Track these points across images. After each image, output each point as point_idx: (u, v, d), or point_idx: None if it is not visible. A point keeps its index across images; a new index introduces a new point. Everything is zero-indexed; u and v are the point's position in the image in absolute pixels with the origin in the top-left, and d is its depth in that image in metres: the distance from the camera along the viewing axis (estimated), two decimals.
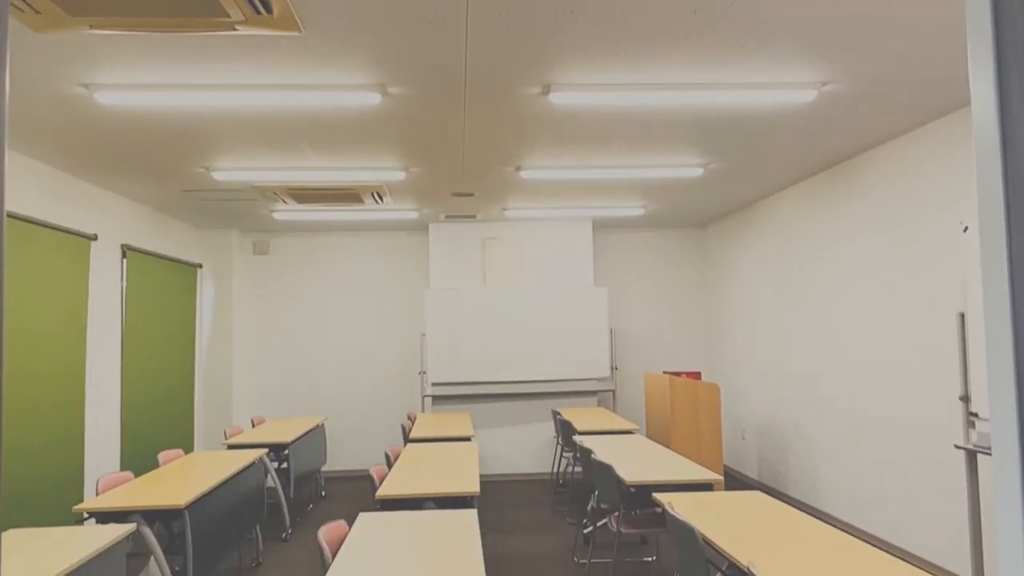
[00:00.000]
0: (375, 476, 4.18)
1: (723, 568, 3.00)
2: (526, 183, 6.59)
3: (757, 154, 5.70)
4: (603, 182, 6.60)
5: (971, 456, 4.13)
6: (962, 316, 4.13)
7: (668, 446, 6.92)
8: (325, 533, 2.88)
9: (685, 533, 2.94)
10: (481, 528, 6.26)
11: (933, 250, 4.84)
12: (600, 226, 9.26)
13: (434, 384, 8.43)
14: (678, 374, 7.40)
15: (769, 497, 3.65)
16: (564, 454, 7.27)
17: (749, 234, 7.98)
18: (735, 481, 8.07)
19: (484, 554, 5.62)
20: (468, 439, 6.00)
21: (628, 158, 5.73)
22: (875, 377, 5.57)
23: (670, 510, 3.15)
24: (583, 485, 7.88)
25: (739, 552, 2.72)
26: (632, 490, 4.16)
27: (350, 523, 3.20)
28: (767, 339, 7.57)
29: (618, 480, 4.24)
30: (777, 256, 7.28)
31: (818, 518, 6.19)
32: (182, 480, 4.49)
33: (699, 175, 6.35)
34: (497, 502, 7.41)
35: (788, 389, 7.10)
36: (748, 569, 2.34)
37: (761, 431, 7.78)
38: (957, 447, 4.09)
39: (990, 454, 3.85)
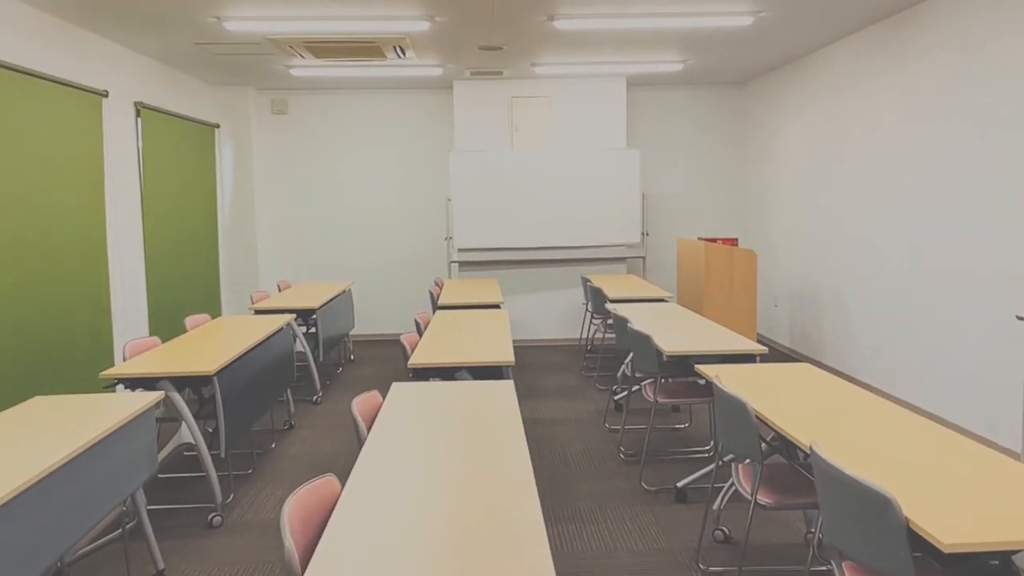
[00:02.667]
0: (406, 344, 4.06)
1: (768, 439, 2.87)
2: (559, 34, 6.12)
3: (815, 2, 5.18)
4: (643, 32, 6.11)
5: None
6: None
7: (700, 313, 6.77)
8: (359, 404, 2.76)
9: (735, 408, 2.79)
10: None
11: (1014, 109, 4.43)
12: (634, 84, 8.76)
13: (460, 250, 8.26)
14: (713, 240, 7.15)
15: (818, 369, 3.49)
16: (593, 321, 7.16)
17: (795, 92, 7.48)
18: (768, 348, 7.97)
19: None
20: (498, 306, 5.87)
21: (673, 3, 5.24)
22: (930, 245, 5.29)
23: (718, 383, 2.99)
24: (612, 351, 7.83)
25: (794, 428, 2.57)
26: (666, 358, 4.02)
27: (383, 392, 3.09)
28: (808, 205, 7.24)
29: (656, 350, 4.09)
30: (827, 116, 6.84)
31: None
32: (210, 345, 4.41)
33: (748, 24, 5.84)
34: (526, 367, 7.39)
35: (829, 256, 6.85)
36: (811, 449, 2.19)
37: (796, 298, 7.60)
38: (1019, 318, 3.88)
39: None
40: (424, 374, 3.75)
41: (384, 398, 3.07)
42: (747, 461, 2.97)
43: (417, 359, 3.74)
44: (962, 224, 4.89)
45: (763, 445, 2.76)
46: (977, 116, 4.74)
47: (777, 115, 7.94)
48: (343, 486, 2.09)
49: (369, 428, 2.67)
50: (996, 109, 4.56)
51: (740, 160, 9.00)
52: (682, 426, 5.41)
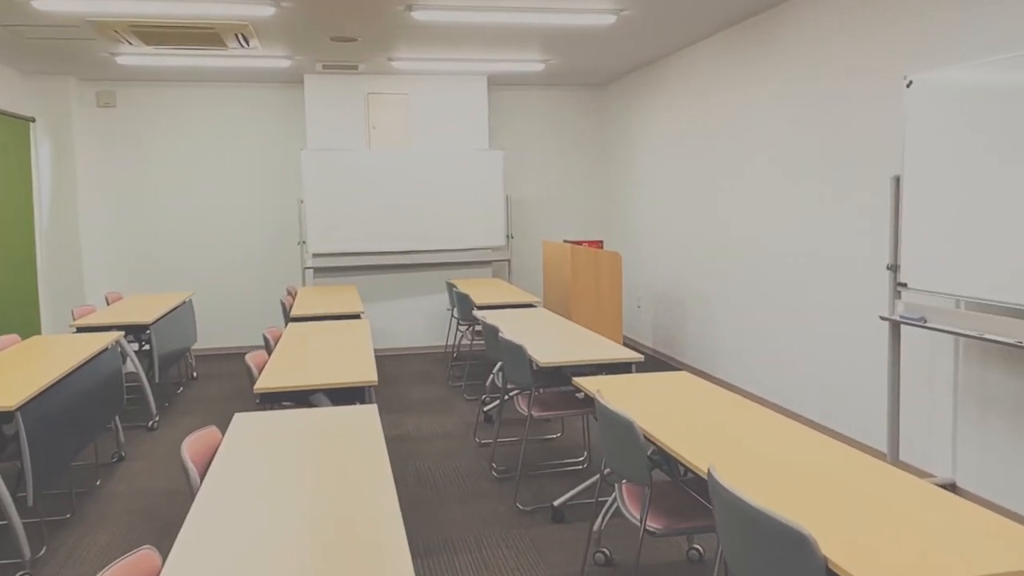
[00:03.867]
0: (252, 365, 3.60)
1: (648, 452, 2.67)
2: (418, 26, 5.78)
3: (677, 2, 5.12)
4: (504, 28, 5.87)
5: (895, 328, 3.96)
6: (897, 180, 3.84)
7: (568, 316, 6.63)
8: (191, 446, 2.31)
9: (621, 427, 2.57)
10: None
11: (867, 108, 4.50)
12: (496, 83, 8.54)
13: (315, 255, 7.74)
14: (579, 243, 7.03)
15: (696, 377, 3.35)
16: (459, 327, 6.87)
17: (656, 94, 7.50)
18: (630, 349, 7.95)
19: None
20: (358, 316, 5.46)
21: None
22: (793, 244, 5.35)
23: (600, 399, 2.76)
24: (480, 358, 7.57)
25: (683, 446, 2.37)
26: (540, 369, 3.78)
27: (223, 424, 2.65)
28: (671, 207, 7.27)
29: (530, 360, 3.84)
30: (687, 116, 6.86)
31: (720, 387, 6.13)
32: (15, 373, 3.76)
33: (611, 23, 5.73)
34: (389, 378, 6.99)
35: (692, 258, 6.88)
36: (709, 474, 1.98)
37: (659, 300, 7.62)
38: (883, 318, 3.92)
39: (917, 325, 3.67)
40: (274, 399, 3.32)
41: (224, 433, 2.63)
42: (631, 481, 2.76)
43: (265, 382, 3.30)
44: (824, 226, 4.96)
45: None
46: (832, 117, 4.81)
47: (639, 117, 7.94)
48: (167, 555, 1.67)
49: (204, 474, 2.24)
50: (850, 112, 4.63)
51: (604, 162, 8.98)
52: (554, 436, 5.21)
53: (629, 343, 8.30)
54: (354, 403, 3.45)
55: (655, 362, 7.41)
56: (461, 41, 6.32)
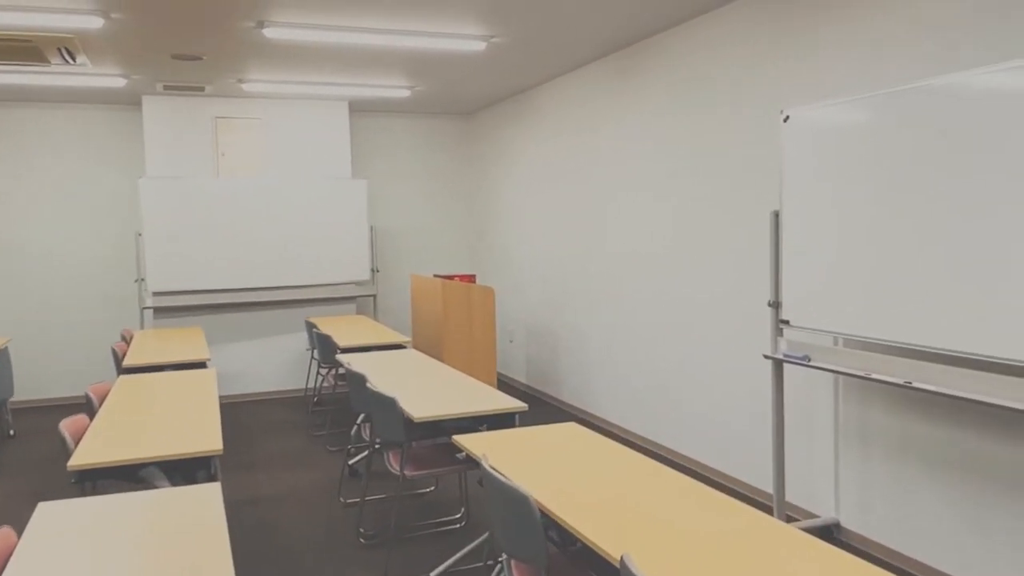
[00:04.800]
0: (68, 435, 3.01)
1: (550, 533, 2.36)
2: (270, 45, 5.31)
3: (550, 26, 4.93)
4: (367, 50, 5.50)
5: (778, 366, 3.86)
6: (776, 215, 3.76)
7: (439, 354, 6.27)
8: None
9: (515, 502, 2.24)
10: (221, 464, 5.24)
11: (747, 141, 4.44)
12: (358, 109, 8.12)
13: (155, 294, 7.00)
14: (450, 277, 6.70)
15: (585, 429, 3.08)
16: (320, 370, 6.35)
17: (525, 123, 7.32)
18: (504, 386, 7.69)
19: (225, 499, 4.63)
20: (203, 365, 4.87)
21: (400, 19, 4.69)
22: (673, 278, 5.24)
23: (488, 467, 2.42)
24: (344, 402, 7.04)
25: (585, 522, 2.07)
26: (410, 422, 3.41)
27: (47, 492, 2.10)
28: (544, 236, 7.07)
29: (403, 415, 3.45)
30: (559, 147, 6.71)
31: (593, 424, 5.96)
32: None
33: (481, 50, 5.48)
34: (241, 429, 6.35)
35: (565, 292, 6.70)
36: (622, 562, 1.68)
37: (532, 334, 7.39)
38: (766, 357, 3.82)
39: (801, 364, 3.57)
40: (95, 476, 2.77)
41: (19, 536, 2.09)
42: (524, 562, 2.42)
43: (83, 457, 2.74)
44: (707, 260, 4.87)
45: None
46: (712, 150, 4.74)
47: (509, 147, 7.74)
48: None
49: None
50: (730, 145, 4.57)
51: (474, 193, 8.72)
52: (428, 490, 4.81)
53: (503, 380, 8.02)
54: (195, 477, 2.96)
55: (530, 399, 7.16)
56: (319, 63, 5.89)
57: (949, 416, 3.28)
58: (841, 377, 3.84)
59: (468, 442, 2.91)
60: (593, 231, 6.16)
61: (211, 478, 3.00)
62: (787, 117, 3.64)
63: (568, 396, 6.71)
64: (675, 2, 4.48)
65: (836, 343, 3.73)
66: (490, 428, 3.47)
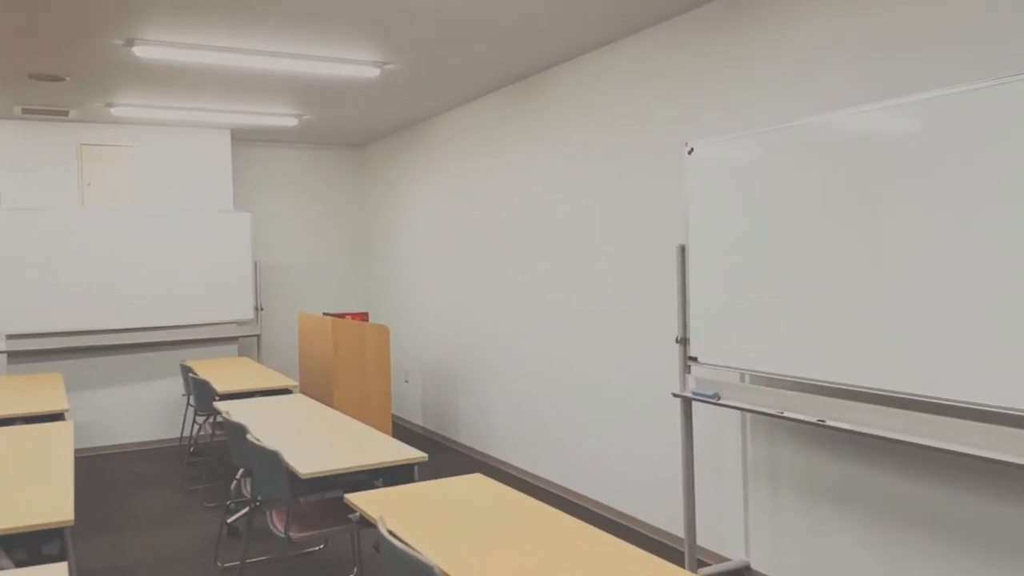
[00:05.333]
0: None
1: None
2: (142, 66, 4.89)
3: (448, 54, 4.76)
4: (251, 75, 5.17)
5: (687, 405, 3.74)
6: (683, 249, 3.67)
7: (329, 398, 5.89)
8: None
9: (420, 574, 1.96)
10: (82, 527, 4.66)
11: (654, 173, 4.36)
12: (242, 138, 7.69)
13: (9, 337, 6.31)
14: (342, 315, 6.35)
15: (490, 481, 2.84)
16: (197, 418, 5.84)
17: (420, 155, 7.10)
18: (399, 429, 7.34)
19: (83, 572, 4.10)
20: (60, 416, 4.33)
21: (288, 41, 4.41)
22: (580, 315, 5.09)
23: (386, 532, 2.14)
24: (223, 451, 6.51)
25: None
26: (293, 474, 3.07)
27: None
28: (440, 272, 6.83)
29: (288, 470, 3.11)
30: (456, 180, 6.51)
31: (496, 469, 5.70)
32: None
33: (374, 77, 5.24)
34: (105, 486, 5.74)
35: (465, 327, 6.46)
36: None
37: (428, 373, 7.10)
38: (675, 395, 3.70)
39: (710, 402, 3.46)
40: None
41: None
42: None
43: None
44: (615, 296, 4.74)
45: None
46: (619, 183, 4.65)
47: (402, 180, 7.49)
48: None
49: None
50: (637, 177, 4.49)
51: (366, 228, 8.39)
52: (316, 548, 4.42)
53: (398, 422, 7.67)
54: (41, 552, 2.53)
55: (426, 442, 6.84)
56: (198, 87, 5.49)
57: (859, 453, 3.23)
58: (748, 416, 3.75)
59: (363, 501, 2.61)
60: (494, 265, 5.97)
61: (61, 553, 2.58)
62: (691, 149, 3.57)
63: (468, 438, 6.44)
64: (578, 32, 4.39)
65: (743, 379, 3.65)
66: (387, 482, 3.18)
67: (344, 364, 5.96)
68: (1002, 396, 2.38)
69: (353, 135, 7.67)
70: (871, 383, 2.78)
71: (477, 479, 2.87)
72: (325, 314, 6.45)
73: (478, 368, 6.23)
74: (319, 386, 6.22)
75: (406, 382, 7.57)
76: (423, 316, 7.13)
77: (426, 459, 3.20)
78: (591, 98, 4.77)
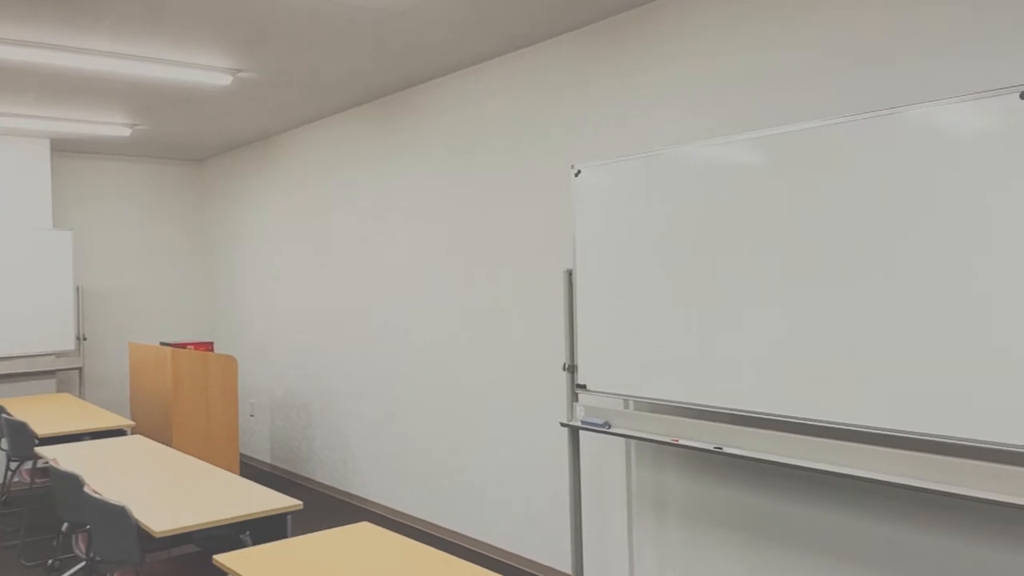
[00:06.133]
0: None
1: None
2: None
3: (309, 64, 4.45)
4: (78, 76, 4.60)
5: (574, 434, 3.63)
6: (570, 273, 3.57)
7: (168, 437, 5.33)
8: None
9: None
10: None
11: (539, 197, 4.24)
12: (65, 149, 6.90)
13: None
14: (183, 345, 5.78)
15: (378, 528, 2.58)
16: (10, 463, 5.08)
17: (271, 171, 6.65)
18: (246, 468, 6.78)
19: None
20: None
21: (122, 39, 3.94)
22: (460, 343, 4.87)
23: None
24: (46, 500, 5.71)
25: None
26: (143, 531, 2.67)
27: None
28: (294, 297, 6.39)
29: (136, 527, 2.68)
30: (311, 200, 6.13)
31: (359, 506, 5.33)
32: None
33: (226, 85, 4.82)
34: None
35: (324, 356, 6.06)
36: None
37: (278, 407, 6.61)
38: (563, 425, 3.57)
39: (600, 431, 3.37)
40: None
41: None
42: None
43: None
44: (493, 322, 4.57)
45: None
46: (502, 205, 4.51)
47: (249, 199, 6.99)
48: None
49: None
50: (522, 200, 4.37)
51: (208, 249, 7.76)
52: None
53: (244, 460, 7.09)
54: None
55: (277, 481, 6.35)
56: (14, 89, 4.84)
57: (744, 478, 3.23)
58: (633, 442, 3.70)
59: (238, 562, 2.27)
60: (355, 289, 5.65)
61: None
62: (578, 172, 3.49)
63: (325, 476, 6.02)
64: (456, 46, 4.23)
65: (627, 405, 3.59)
66: (255, 535, 2.83)
67: (185, 399, 5.41)
68: (863, 415, 2.42)
69: (193, 148, 7.09)
70: (759, 408, 2.78)
71: (364, 528, 2.59)
72: (163, 344, 5.85)
73: (336, 400, 5.86)
74: (155, 424, 5.62)
75: (252, 416, 7.03)
76: (272, 345, 6.65)
77: (301, 507, 2.88)
78: (470, 115, 4.61)
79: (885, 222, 2.45)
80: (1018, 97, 2.16)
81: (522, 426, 4.27)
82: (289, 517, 2.86)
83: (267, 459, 6.82)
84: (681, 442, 3.07)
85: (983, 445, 2.25)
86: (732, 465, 3.27)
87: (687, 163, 3.03)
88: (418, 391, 5.02)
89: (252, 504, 2.85)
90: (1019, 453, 2.20)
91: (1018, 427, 2.17)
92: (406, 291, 5.11)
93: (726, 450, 2.91)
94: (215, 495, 2.99)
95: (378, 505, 5.43)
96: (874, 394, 2.48)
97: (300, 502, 2.87)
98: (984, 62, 2.51)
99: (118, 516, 2.71)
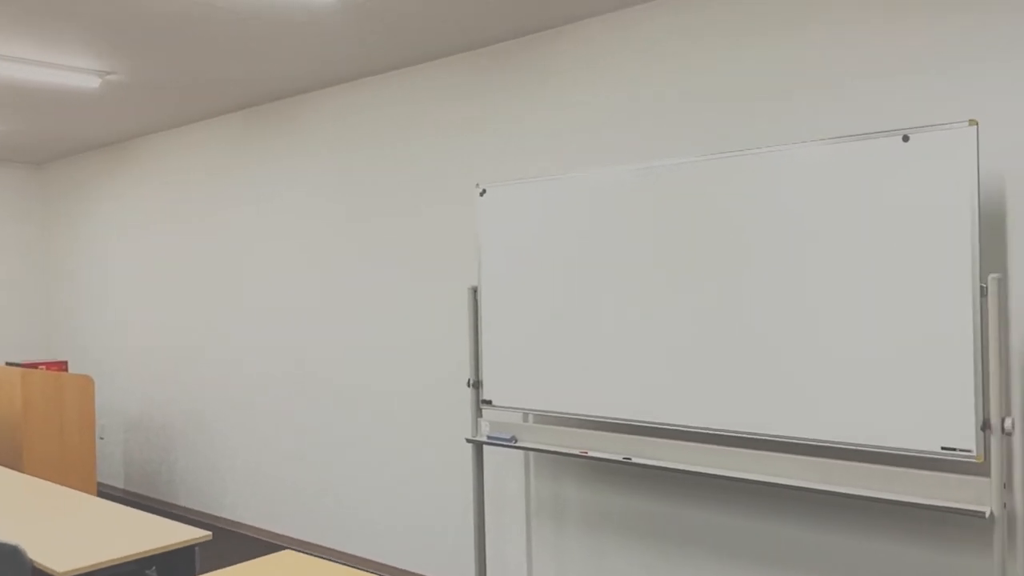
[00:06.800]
0: None
1: None
2: None
3: (183, 68, 4.26)
4: None
5: (478, 449, 3.69)
6: (474, 291, 3.64)
7: (19, 462, 4.91)
8: None
9: None
10: None
11: (443, 213, 4.25)
12: None
13: None
14: (33, 365, 5.32)
15: (303, 556, 2.53)
16: None
17: (128, 178, 6.23)
18: (99, 494, 6.29)
19: None
20: None
21: None
22: (353, 364, 4.78)
23: None
24: None
25: None
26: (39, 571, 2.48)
27: None
28: (158, 311, 6.02)
29: (30, 568, 2.47)
30: (178, 209, 5.80)
31: (236, 531, 5.10)
32: None
33: (94, 88, 4.51)
34: None
35: (179, 375, 5.75)
36: None
37: (133, 428, 6.21)
38: (469, 440, 3.61)
39: (507, 445, 3.47)
40: None
41: None
42: None
43: None
44: (391, 338, 4.53)
45: None
46: (404, 223, 4.49)
47: (100, 208, 6.51)
48: None
49: None
50: (424, 218, 4.37)
51: (54, 263, 7.14)
52: None
53: (99, 487, 6.57)
54: None
55: (137, 507, 5.94)
56: None
57: (641, 486, 3.42)
58: (532, 455, 3.81)
59: None
60: (212, 304, 5.41)
61: None
62: (483, 191, 3.57)
63: (190, 499, 5.71)
64: (348, 58, 4.19)
65: (526, 419, 3.70)
66: (161, 570, 2.68)
67: (37, 422, 5.00)
68: (745, 423, 2.68)
69: (32, 151, 6.53)
70: (655, 418, 2.98)
71: (288, 557, 2.53)
72: (8, 364, 5.36)
73: (209, 419, 5.57)
74: (2, 449, 5.14)
75: (101, 439, 6.56)
76: (129, 364, 6.23)
77: (210, 537, 2.76)
78: (368, 128, 4.57)
79: (738, 247, 2.75)
80: (903, 140, 2.47)
81: (425, 442, 4.27)
82: (197, 549, 2.74)
83: (120, 483, 6.38)
84: (590, 454, 3.21)
85: (852, 447, 2.54)
86: (629, 473, 3.45)
87: (583, 188, 3.21)
88: (312, 412, 4.90)
89: (157, 536, 2.70)
90: (885, 453, 2.50)
91: (875, 429, 2.46)
92: (295, 306, 4.97)
93: (634, 460, 3.08)
94: (112, 528, 2.80)
95: (262, 531, 5.23)
96: (753, 402, 2.73)
97: (208, 532, 2.75)
98: (846, 106, 2.83)
99: (11, 558, 2.49)
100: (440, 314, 4.18)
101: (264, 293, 5.12)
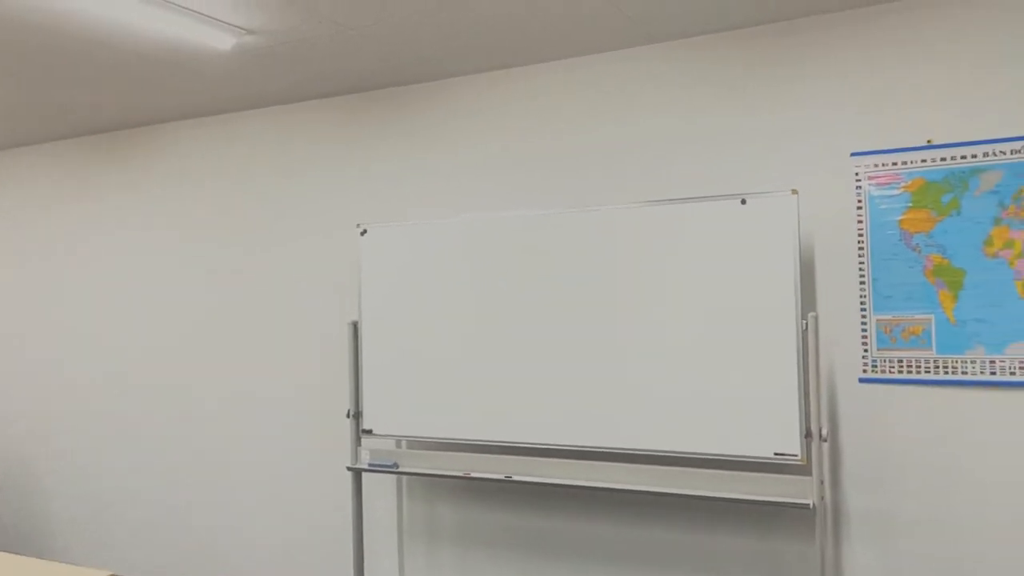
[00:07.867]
0: None
1: None
2: None
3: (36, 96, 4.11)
4: None
5: (357, 477, 3.85)
6: (355, 325, 3.83)
7: None
8: None
9: None
10: None
11: (325, 254, 4.34)
12: None
13: None
14: None
15: None
16: None
17: None
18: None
19: None
20: None
21: None
22: (226, 401, 4.70)
23: None
24: None
25: None
26: None
27: None
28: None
29: None
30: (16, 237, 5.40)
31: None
32: None
33: None
34: None
35: (50, 417, 5.35)
36: None
37: None
38: (349, 468, 3.75)
39: (389, 471, 3.68)
40: None
41: None
42: None
43: None
44: (268, 373, 4.53)
45: None
46: (286, 264, 4.52)
47: None
48: None
49: None
50: (305, 258, 4.44)
51: None
52: None
53: None
54: None
55: None
56: None
57: (510, 501, 3.75)
58: (404, 479, 4.02)
59: None
60: (90, 340, 5.13)
61: None
62: (364, 231, 3.78)
63: (66, 554, 5.26)
64: (228, 89, 4.22)
65: (400, 445, 3.93)
66: None
67: None
68: (607, 438, 3.15)
69: None
70: (535, 440, 3.37)
71: None
72: None
73: (82, 465, 5.21)
74: None
75: None
76: None
77: None
78: (236, 159, 4.57)
79: (602, 290, 3.24)
80: (737, 203, 3.03)
81: (302, 474, 4.32)
82: None
83: None
84: (473, 474, 3.51)
85: (703, 456, 3.06)
86: (501, 490, 3.78)
87: (454, 232, 3.60)
88: (184, 445, 4.76)
89: None
90: (730, 460, 3.04)
91: (721, 440, 3.00)
92: (168, 345, 4.82)
93: (515, 478, 3.42)
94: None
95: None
96: (618, 423, 3.19)
97: (111, 571, 2.74)
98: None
99: None
100: (325, 348, 4.27)
101: (134, 332, 4.93)
